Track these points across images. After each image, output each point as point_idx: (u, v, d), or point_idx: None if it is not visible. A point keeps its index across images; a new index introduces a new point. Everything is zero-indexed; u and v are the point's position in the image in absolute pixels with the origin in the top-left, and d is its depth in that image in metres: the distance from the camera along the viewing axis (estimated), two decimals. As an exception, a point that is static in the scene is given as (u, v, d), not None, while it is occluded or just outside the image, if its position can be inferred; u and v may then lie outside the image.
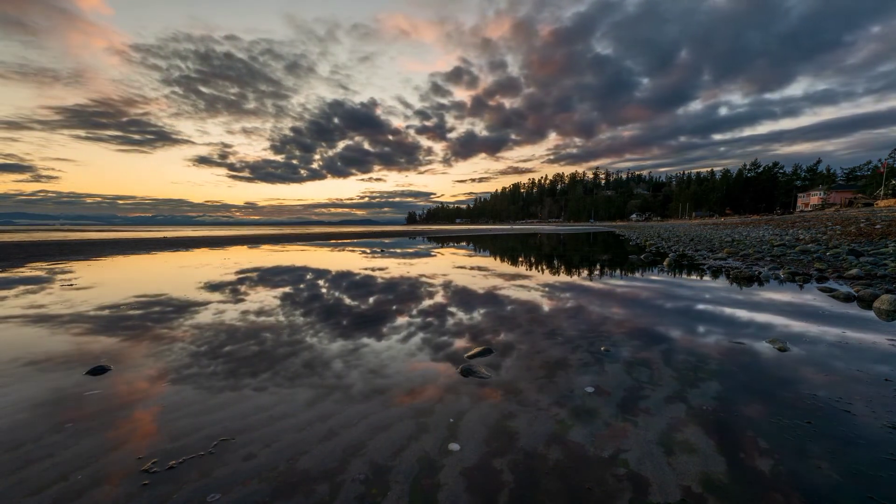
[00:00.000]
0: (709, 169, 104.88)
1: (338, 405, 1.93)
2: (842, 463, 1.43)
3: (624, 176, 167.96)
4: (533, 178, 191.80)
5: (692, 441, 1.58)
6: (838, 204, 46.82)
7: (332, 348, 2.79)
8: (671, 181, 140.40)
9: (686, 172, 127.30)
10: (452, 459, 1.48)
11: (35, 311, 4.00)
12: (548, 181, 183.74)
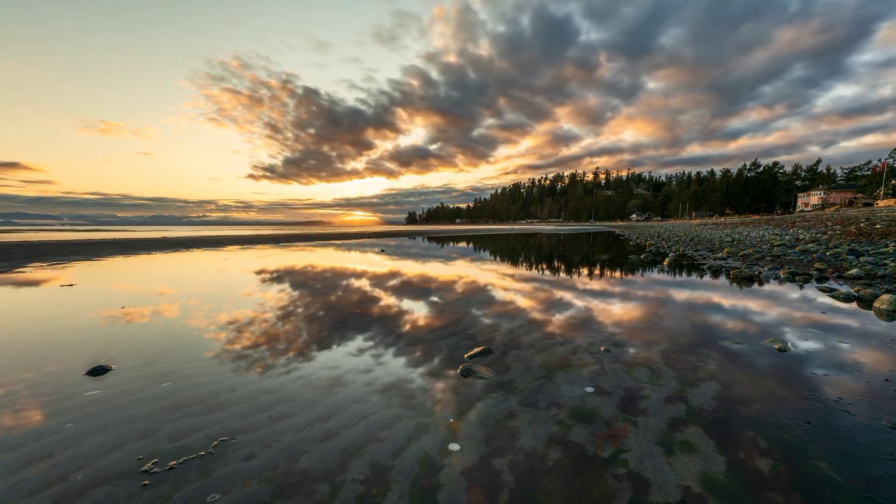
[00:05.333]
0: (709, 169, 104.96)
1: (337, 405, 1.93)
2: (842, 463, 1.43)
3: (624, 176, 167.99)
4: (533, 178, 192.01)
5: (692, 441, 1.58)
6: (838, 204, 46.83)
7: (331, 349, 2.79)
8: (671, 181, 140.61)
9: (686, 172, 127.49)
10: (452, 459, 1.48)
11: (35, 311, 4.00)
12: (548, 181, 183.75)
